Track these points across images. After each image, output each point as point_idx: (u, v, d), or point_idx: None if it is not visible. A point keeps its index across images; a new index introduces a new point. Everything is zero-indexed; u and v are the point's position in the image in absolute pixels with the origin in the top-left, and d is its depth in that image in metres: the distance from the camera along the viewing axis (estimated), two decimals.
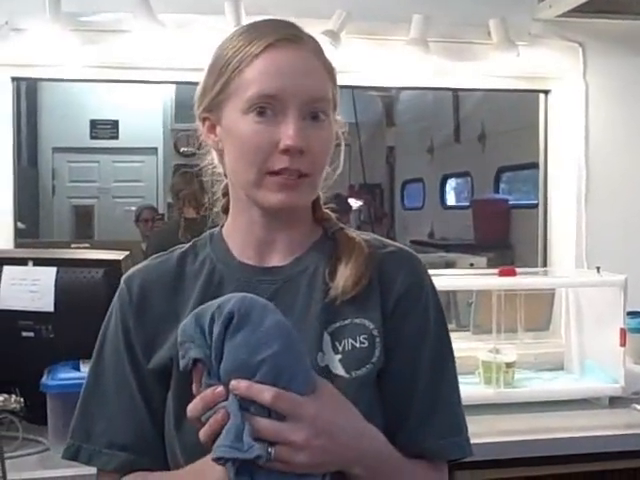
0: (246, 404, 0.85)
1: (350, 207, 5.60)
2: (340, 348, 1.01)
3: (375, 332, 1.02)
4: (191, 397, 0.90)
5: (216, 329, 0.87)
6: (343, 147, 1.11)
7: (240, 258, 1.07)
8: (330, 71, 1.05)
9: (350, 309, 1.02)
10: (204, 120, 1.07)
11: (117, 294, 1.11)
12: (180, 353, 0.90)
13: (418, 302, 1.05)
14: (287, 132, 0.97)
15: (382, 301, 1.03)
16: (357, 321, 1.02)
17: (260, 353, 0.85)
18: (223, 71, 1.02)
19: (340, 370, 1.00)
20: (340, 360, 1.00)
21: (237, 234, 1.09)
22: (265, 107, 0.98)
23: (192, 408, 0.88)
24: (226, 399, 0.86)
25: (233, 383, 0.85)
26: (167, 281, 1.09)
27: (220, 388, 0.86)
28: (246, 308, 0.88)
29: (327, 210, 1.13)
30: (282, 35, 1.01)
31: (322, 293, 1.03)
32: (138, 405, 1.05)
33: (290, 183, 0.99)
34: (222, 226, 1.12)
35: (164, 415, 1.05)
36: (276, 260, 1.07)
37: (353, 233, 1.09)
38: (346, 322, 1.02)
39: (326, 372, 1.00)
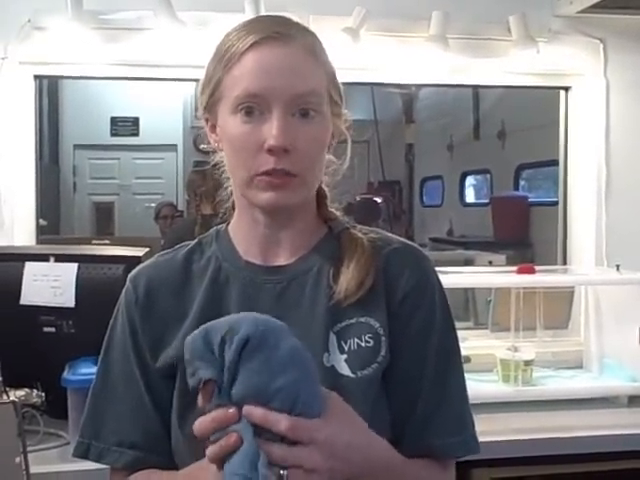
0: (259, 430, 0.84)
1: (380, 212, 5.59)
2: (346, 348, 1.01)
3: (380, 331, 1.01)
4: (197, 411, 0.87)
5: (229, 352, 0.84)
6: (350, 143, 1.10)
7: (245, 257, 1.07)
8: (325, 67, 1.03)
9: (356, 308, 1.02)
10: (206, 120, 1.07)
11: (123, 293, 1.11)
12: (188, 370, 0.88)
13: (423, 300, 1.04)
14: (271, 131, 0.97)
15: (387, 299, 1.03)
16: (362, 320, 1.02)
17: (277, 380, 0.84)
18: (216, 70, 1.02)
19: (346, 370, 1.00)
20: (346, 360, 1.00)
21: (242, 232, 1.09)
22: (251, 107, 0.98)
23: (201, 427, 0.85)
24: (238, 421, 0.84)
25: (248, 409, 0.83)
26: (173, 279, 1.09)
27: (233, 410, 0.84)
28: (262, 332, 0.85)
29: (333, 210, 1.12)
30: (267, 33, 0.99)
31: (327, 294, 1.03)
32: (146, 404, 1.06)
33: (278, 182, 0.98)
34: (228, 223, 1.12)
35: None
36: (280, 259, 1.06)
37: (358, 233, 1.08)
38: (352, 321, 1.02)
39: (332, 372, 1.00)
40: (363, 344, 1.01)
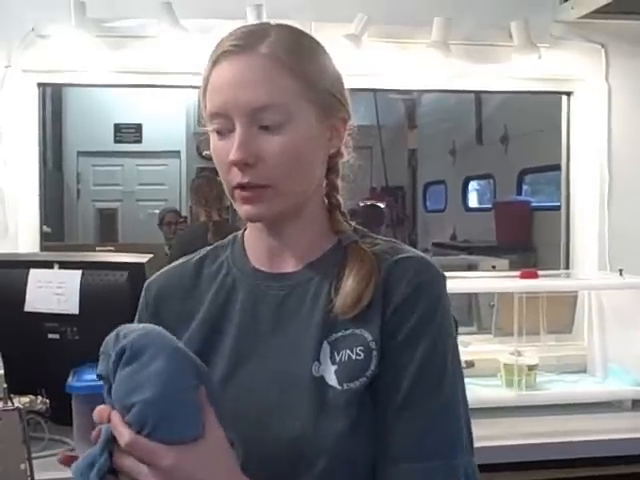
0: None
1: (384, 218, 5.57)
2: (337, 358, 0.98)
3: (373, 345, 0.98)
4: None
5: (112, 356, 0.89)
6: (351, 147, 1.09)
7: (254, 263, 1.08)
8: (301, 71, 1.00)
9: (353, 319, 0.99)
10: None
11: (139, 300, 1.14)
12: None
13: (414, 311, 0.98)
14: (233, 146, 0.97)
15: (382, 312, 0.99)
16: (357, 331, 0.99)
17: (133, 395, 0.85)
18: (201, 85, 1.03)
19: (333, 381, 0.97)
20: (335, 371, 0.98)
21: (252, 240, 1.09)
22: (220, 123, 0.99)
23: (94, 415, 0.90)
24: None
25: (112, 414, 0.87)
26: (184, 283, 1.10)
27: (106, 411, 0.88)
28: (140, 346, 0.87)
29: (344, 221, 1.09)
30: (226, 47, 0.99)
31: (325, 305, 1.01)
32: None
33: (249, 195, 0.99)
34: (245, 229, 1.13)
35: None
36: (287, 267, 1.06)
37: (365, 246, 1.05)
38: (347, 332, 0.99)
39: (320, 383, 0.97)
40: (354, 356, 0.98)
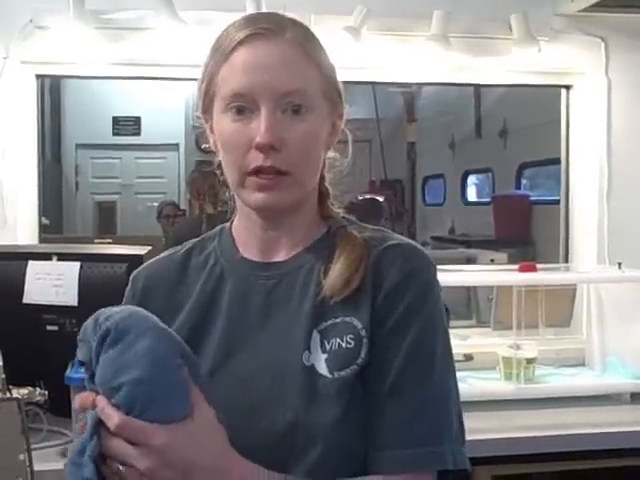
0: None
1: (382, 211, 5.57)
2: (328, 347, 0.98)
3: (363, 332, 0.97)
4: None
5: (95, 339, 0.87)
6: (350, 142, 1.09)
7: (243, 253, 1.07)
8: (319, 64, 1.02)
9: (342, 307, 0.99)
10: (206, 120, 1.06)
11: (125, 292, 1.13)
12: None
13: (404, 298, 0.98)
14: (259, 128, 0.96)
15: (372, 300, 0.99)
16: (347, 319, 0.98)
17: (120, 376, 0.84)
18: (208, 70, 1.02)
19: (324, 370, 0.97)
20: (326, 360, 0.97)
21: (242, 230, 1.09)
22: (241, 105, 0.97)
23: (74, 404, 0.90)
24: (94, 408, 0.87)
25: (97, 399, 0.86)
26: (171, 274, 1.10)
27: (90, 397, 0.87)
28: (125, 326, 0.86)
29: (332, 207, 1.10)
30: (253, 30, 0.98)
31: (315, 291, 1.01)
32: None
33: (268, 183, 0.98)
34: (232, 221, 1.12)
35: None
36: (278, 256, 1.06)
37: (354, 231, 1.05)
38: (337, 320, 0.99)
39: (311, 371, 0.97)
40: (344, 345, 0.98)
